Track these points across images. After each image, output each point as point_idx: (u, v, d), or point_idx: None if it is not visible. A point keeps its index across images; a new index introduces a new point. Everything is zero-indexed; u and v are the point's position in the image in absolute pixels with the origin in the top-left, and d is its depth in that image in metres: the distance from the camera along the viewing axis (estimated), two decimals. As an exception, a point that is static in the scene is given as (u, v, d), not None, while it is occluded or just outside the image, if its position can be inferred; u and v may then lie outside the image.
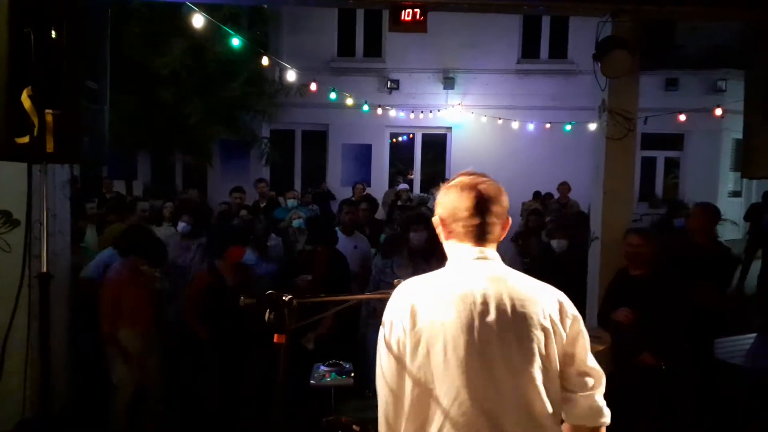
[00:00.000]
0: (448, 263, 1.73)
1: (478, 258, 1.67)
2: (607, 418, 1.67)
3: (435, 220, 1.76)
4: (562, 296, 1.67)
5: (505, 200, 1.71)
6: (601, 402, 1.67)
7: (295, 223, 6.53)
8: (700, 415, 3.94)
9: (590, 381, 1.65)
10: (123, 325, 4.22)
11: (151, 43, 9.11)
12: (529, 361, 1.56)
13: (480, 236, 1.68)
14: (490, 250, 1.69)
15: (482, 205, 1.66)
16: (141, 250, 4.36)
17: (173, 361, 4.60)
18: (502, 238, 1.74)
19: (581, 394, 1.64)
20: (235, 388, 4.37)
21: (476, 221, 1.66)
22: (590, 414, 1.66)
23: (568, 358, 1.63)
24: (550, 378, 1.59)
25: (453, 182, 1.73)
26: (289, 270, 5.07)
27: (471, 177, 1.72)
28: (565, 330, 1.61)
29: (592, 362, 1.67)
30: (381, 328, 1.66)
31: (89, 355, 4.37)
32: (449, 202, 1.71)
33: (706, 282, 4.22)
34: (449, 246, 1.74)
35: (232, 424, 4.30)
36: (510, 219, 1.75)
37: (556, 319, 1.60)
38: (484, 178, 1.71)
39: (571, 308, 1.66)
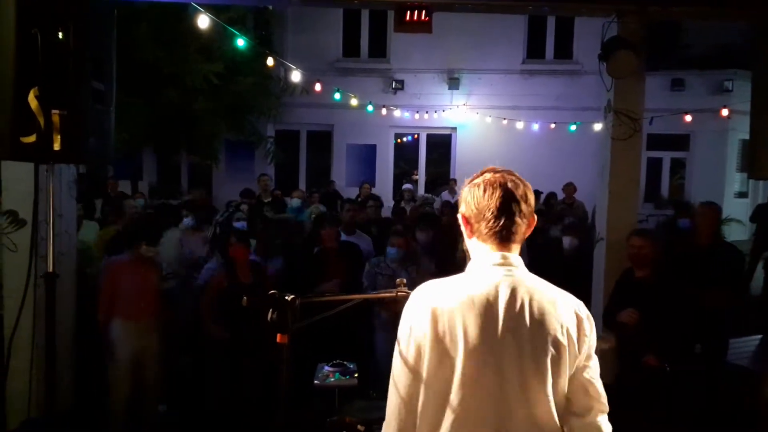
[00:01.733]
0: (469, 266, 1.67)
1: (500, 264, 1.60)
2: None
3: (459, 218, 1.70)
4: (582, 310, 1.61)
5: (532, 199, 1.63)
6: (603, 423, 1.61)
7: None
8: (704, 416, 3.92)
9: (594, 404, 1.59)
10: (116, 315, 4.19)
11: (160, 44, 9.14)
12: (542, 374, 1.52)
13: (504, 238, 1.61)
14: (514, 255, 1.63)
15: (509, 206, 1.59)
16: (137, 233, 4.38)
17: (176, 360, 4.61)
18: (526, 236, 1.67)
19: (584, 416, 1.59)
20: (238, 388, 4.38)
21: (501, 223, 1.59)
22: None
23: (577, 378, 1.58)
24: (559, 393, 1.55)
25: (479, 179, 1.64)
26: (304, 273, 5.05)
27: (498, 174, 1.63)
28: (580, 348, 1.57)
29: (599, 385, 1.61)
30: (399, 333, 1.60)
31: (93, 355, 4.38)
32: (474, 201, 1.62)
33: (716, 285, 4.22)
34: (472, 245, 1.68)
35: (235, 424, 4.31)
36: (536, 217, 1.67)
37: (574, 335, 1.56)
38: (512, 176, 1.63)
39: (588, 326, 1.60)
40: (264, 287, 4.21)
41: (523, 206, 1.61)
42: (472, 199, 1.63)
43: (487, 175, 1.64)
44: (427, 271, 4.41)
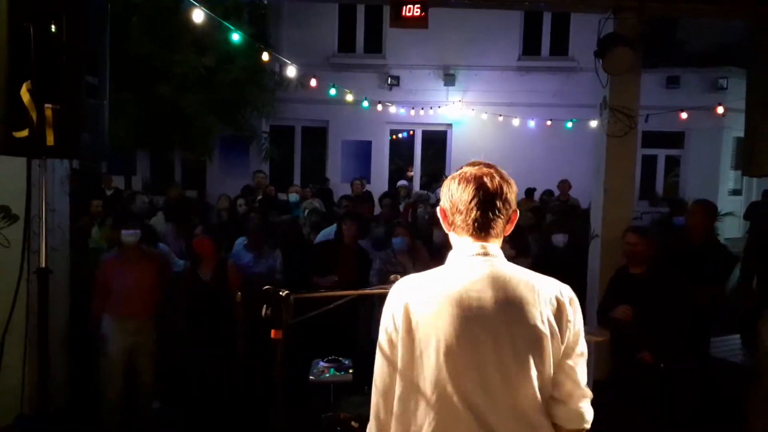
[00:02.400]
0: (448, 258, 1.69)
1: (478, 254, 1.62)
2: (587, 423, 1.61)
3: (438, 211, 1.72)
4: (565, 295, 1.59)
5: (511, 194, 1.64)
6: (585, 408, 1.60)
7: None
8: (698, 413, 3.94)
9: (578, 391, 1.59)
10: (107, 311, 4.17)
11: (154, 39, 9.07)
12: (523, 365, 1.52)
13: (480, 230, 1.62)
14: (492, 245, 1.63)
15: (483, 199, 1.60)
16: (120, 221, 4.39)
17: (172, 357, 4.59)
18: (508, 233, 1.68)
19: (567, 402, 1.58)
20: (233, 384, 4.37)
21: (475, 215, 1.61)
22: (571, 418, 1.59)
23: (561, 365, 1.57)
24: (544, 381, 1.55)
25: (457, 173, 1.68)
26: (307, 266, 5.02)
27: (476, 168, 1.65)
28: (563, 335, 1.56)
29: (581, 371, 1.60)
30: (380, 325, 1.64)
31: (89, 351, 4.36)
32: (451, 193, 1.66)
33: (706, 282, 4.23)
34: (452, 237, 1.71)
35: (231, 421, 4.30)
36: (518, 212, 1.68)
37: (555, 323, 1.55)
38: (490, 170, 1.64)
39: (571, 311, 1.58)
40: (225, 286, 4.23)
41: (497, 200, 1.61)
42: (448, 191, 1.67)
43: (465, 169, 1.67)
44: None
